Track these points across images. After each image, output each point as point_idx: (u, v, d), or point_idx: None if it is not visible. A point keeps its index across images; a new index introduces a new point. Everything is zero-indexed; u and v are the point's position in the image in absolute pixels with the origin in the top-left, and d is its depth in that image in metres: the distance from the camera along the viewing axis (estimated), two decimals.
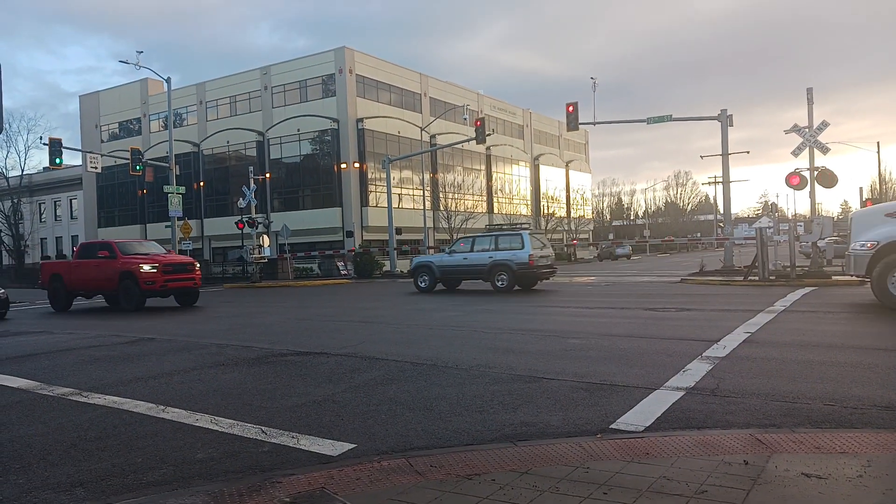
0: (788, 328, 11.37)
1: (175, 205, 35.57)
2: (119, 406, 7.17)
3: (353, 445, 5.46)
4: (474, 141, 36.14)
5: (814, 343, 9.66)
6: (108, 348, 11.90)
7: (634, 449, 4.98)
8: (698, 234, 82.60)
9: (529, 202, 71.66)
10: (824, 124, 24.46)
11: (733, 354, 8.84)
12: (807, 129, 24.46)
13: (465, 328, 13.05)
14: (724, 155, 29.57)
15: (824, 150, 24.53)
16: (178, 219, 36.34)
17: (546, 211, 69.55)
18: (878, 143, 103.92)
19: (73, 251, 35.64)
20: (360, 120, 50.06)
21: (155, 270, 20.43)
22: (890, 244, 13.05)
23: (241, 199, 40.47)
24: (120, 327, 15.60)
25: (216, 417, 6.49)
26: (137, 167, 34.79)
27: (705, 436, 5.28)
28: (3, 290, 20.97)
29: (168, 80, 37.48)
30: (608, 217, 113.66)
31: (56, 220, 76.19)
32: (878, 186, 68.10)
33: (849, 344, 9.48)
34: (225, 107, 57.36)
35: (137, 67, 35.59)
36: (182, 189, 37.05)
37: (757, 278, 21.93)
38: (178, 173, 38.28)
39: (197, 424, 6.29)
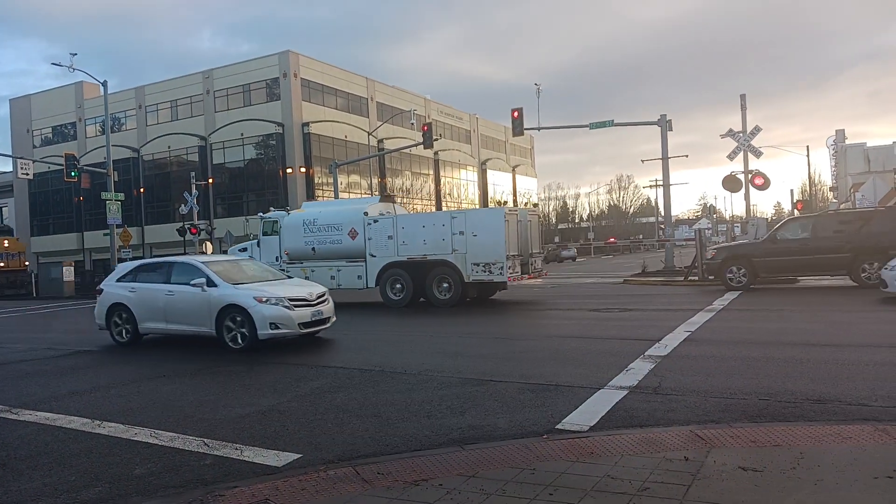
0: (726, 326, 11.75)
1: (113, 212, 34.36)
2: (52, 422, 6.88)
3: (299, 455, 5.37)
4: (422, 145, 36.17)
5: (750, 340, 10.00)
6: (42, 362, 11.39)
7: (579, 449, 5.05)
8: (640, 236, 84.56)
9: (477, 206, 72.24)
10: (757, 129, 25.44)
11: (674, 353, 9.07)
12: (741, 134, 25.39)
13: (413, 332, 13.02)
14: (664, 159, 30.37)
15: (757, 153, 25.50)
16: (118, 226, 35.15)
17: None
18: (807, 147, 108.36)
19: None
20: (306, 124, 49.43)
21: None
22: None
23: (182, 205, 39.47)
24: (54, 340, 14.97)
25: (156, 431, 6.29)
26: (73, 173, 33.44)
27: (648, 433, 5.40)
28: None
29: (105, 84, 36.22)
30: (554, 220, 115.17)
31: None
32: (808, 189, 71.19)
33: (782, 340, 9.85)
34: (166, 111, 55.80)
35: (71, 70, 34.25)
36: (121, 196, 35.80)
37: (696, 278, 22.56)
38: (116, 179, 36.93)
39: (135, 439, 6.09)
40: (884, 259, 15.68)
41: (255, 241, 21.26)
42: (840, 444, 4.83)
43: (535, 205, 65.96)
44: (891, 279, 13.73)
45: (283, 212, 21.49)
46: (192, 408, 7.24)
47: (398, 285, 18.48)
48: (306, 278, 18.73)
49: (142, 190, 54.94)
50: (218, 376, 9.15)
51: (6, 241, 42.36)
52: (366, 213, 19.05)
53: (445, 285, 17.76)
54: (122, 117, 58.17)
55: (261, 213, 22.28)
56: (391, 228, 18.49)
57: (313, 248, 19.68)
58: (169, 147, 54.35)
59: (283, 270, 19.35)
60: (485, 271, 17.23)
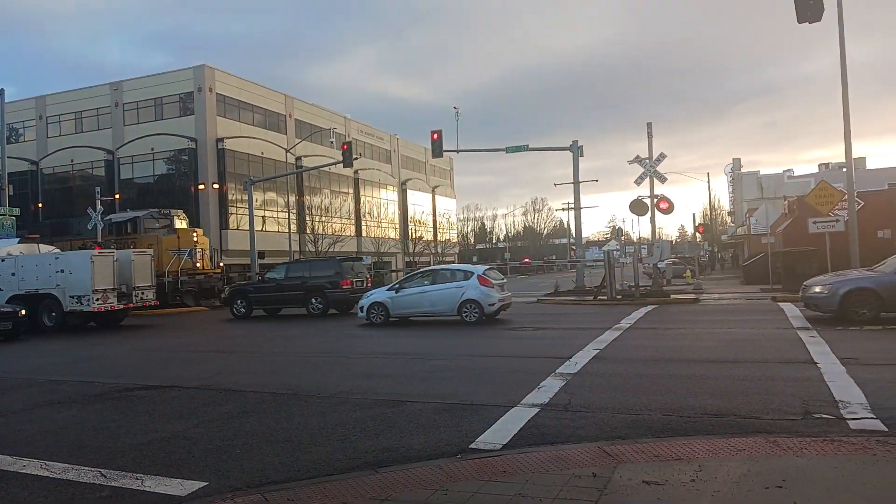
0: (633, 344, 12.20)
1: (7, 227, 32.25)
2: None
3: (205, 483, 5.16)
4: (342, 164, 35.86)
5: (655, 358, 10.43)
6: None
7: (492, 468, 5.10)
8: (553, 257, 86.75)
9: (397, 226, 72.12)
10: (662, 156, 26.70)
11: (584, 370, 9.34)
12: (647, 160, 26.59)
13: (333, 354, 12.83)
14: (576, 183, 31.43)
15: (662, 179, 26.76)
16: None
17: (414, 234, 70.37)
18: (708, 174, 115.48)
19: None
20: (221, 140, 48.07)
21: None
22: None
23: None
24: None
25: (47, 462, 5.89)
26: None
27: (558, 451, 5.52)
28: None
29: (1, 92, 34.12)
30: (472, 241, 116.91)
31: None
32: (709, 213, 75.36)
33: (684, 357, 10.33)
34: (69, 123, 52.94)
35: None
36: (16, 210, 33.68)
37: (605, 298, 23.34)
38: (11, 193, 34.77)
39: (24, 471, 5.68)
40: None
41: None
42: (735, 456, 5.09)
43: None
44: (357, 310, 18.86)
45: None
46: (89, 436, 6.84)
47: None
48: None
49: (40, 205, 51.80)
50: (119, 402, 8.69)
51: (195, 233, 30.69)
52: None
53: (53, 314, 21.09)
54: (21, 128, 54.85)
55: None
56: (14, 267, 21.72)
57: None
58: (72, 160, 51.58)
59: None
60: (78, 302, 20.71)
